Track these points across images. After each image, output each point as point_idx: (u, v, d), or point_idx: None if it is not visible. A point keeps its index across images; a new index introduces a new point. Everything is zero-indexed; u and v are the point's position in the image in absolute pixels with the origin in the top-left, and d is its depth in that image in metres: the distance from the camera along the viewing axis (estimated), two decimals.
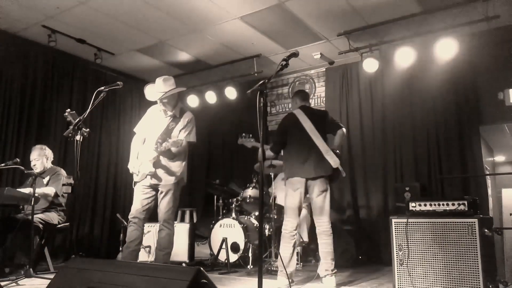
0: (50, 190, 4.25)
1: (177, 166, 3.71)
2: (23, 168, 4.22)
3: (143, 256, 4.97)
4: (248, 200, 5.11)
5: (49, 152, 4.52)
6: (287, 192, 3.72)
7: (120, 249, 5.30)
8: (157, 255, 3.66)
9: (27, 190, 3.96)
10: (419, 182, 5.12)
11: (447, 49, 4.69)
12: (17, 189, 4.01)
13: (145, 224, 5.09)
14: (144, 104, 6.36)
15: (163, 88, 3.68)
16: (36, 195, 3.85)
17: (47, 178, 4.35)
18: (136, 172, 3.68)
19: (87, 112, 3.34)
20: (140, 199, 3.65)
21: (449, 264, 2.95)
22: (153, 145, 3.61)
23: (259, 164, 3.10)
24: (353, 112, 5.99)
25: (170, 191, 3.64)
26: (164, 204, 3.64)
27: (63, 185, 5.20)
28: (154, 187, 3.67)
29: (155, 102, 3.86)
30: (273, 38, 5.49)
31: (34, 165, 4.34)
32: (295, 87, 6.74)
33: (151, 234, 5.06)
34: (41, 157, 4.40)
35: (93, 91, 3.36)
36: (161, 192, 3.66)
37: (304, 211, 5.23)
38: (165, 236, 3.63)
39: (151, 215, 3.76)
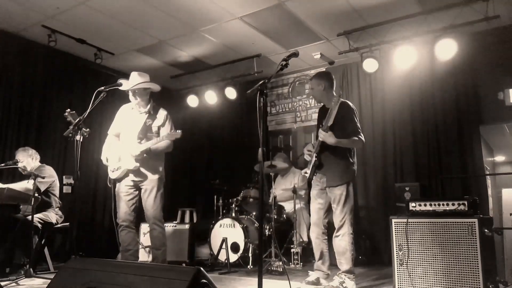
0: (30, 184, 4.09)
1: (159, 163, 3.72)
2: (21, 169, 4.23)
3: (143, 256, 4.98)
4: (248, 200, 5.11)
5: (33, 152, 4.51)
6: (350, 193, 3.53)
7: (120, 249, 5.30)
8: (154, 254, 3.67)
9: (17, 186, 3.99)
10: (419, 182, 5.12)
11: (447, 49, 4.68)
12: (10, 185, 4.02)
13: (143, 224, 5.12)
14: None
15: (139, 79, 3.74)
16: (19, 190, 3.87)
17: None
18: (116, 167, 3.65)
19: (87, 112, 3.34)
20: (125, 200, 3.65)
21: (449, 264, 2.95)
22: (132, 141, 3.60)
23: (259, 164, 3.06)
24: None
25: (154, 188, 3.63)
26: (150, 203, 3.62)
27: (64, 185, 5.20)
28: (137, 185, 3.66)
29: (127, 100, 3.88)
30: (273, 38, 5.49)
31: (20, 167, 4.33)
32: (295, 87, 6.75)
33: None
34: (25, 158, 4.40)
35: (93, 91, 3.37)
36: (145, 190, 3.63)
37: (304, 211, 5.24)
38: (158, 235, 3.65)
39: (138, 214, 3.76)
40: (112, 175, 3.69)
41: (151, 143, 3.57)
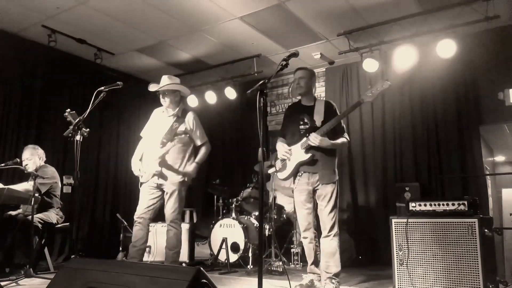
0: (30, 185, 4.08)
1: (183, 165, 3.75)
2: (23, 168, 4.22)
3: (143, 256, 4.98)
4: (248, 200, 5.11)
5: (41, 152, 4.50)
6: (338, 192, 3.52)
7: (120, 249, 5.30)
8: (166, 254, 3.72)
9: (17, 187, 3.99)
10: (419, 182, 5.12)
11: (447, 49, 4.68)
12: (11, 186, 4.01)
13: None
14: (144, 104, 6.37)
15: (168, 81, 3.81)
16: (19, 190, 3.87)
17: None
18: (142, 173, 3.70)
19: (87, 112, 3.35)
20: (146, 199, 3.69)
21: (449, 264, 2.95)
22: (157, 145, 3.64)
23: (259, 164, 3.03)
24: (353, 112, 5.97)
25: (175, 191, 3.68)
26: (170, 205, 3.69)
27: (64, 185, 5.19)
28: (160, 187, 3.71)
29: (160, 104, 3.90)
30: (273, 38, 5.49)
31: (27, 165, 4.30)
32: None
33: (151, 234, 5.02)
34: (33, 157, 4.38)
35: (93, 91, 3.37)
36: (167, 193, 3.69)
37: None
38: (173, 236, 3.69)
39: (156, 215, 3.78)
40: (141, 179, 3.76)
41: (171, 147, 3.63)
